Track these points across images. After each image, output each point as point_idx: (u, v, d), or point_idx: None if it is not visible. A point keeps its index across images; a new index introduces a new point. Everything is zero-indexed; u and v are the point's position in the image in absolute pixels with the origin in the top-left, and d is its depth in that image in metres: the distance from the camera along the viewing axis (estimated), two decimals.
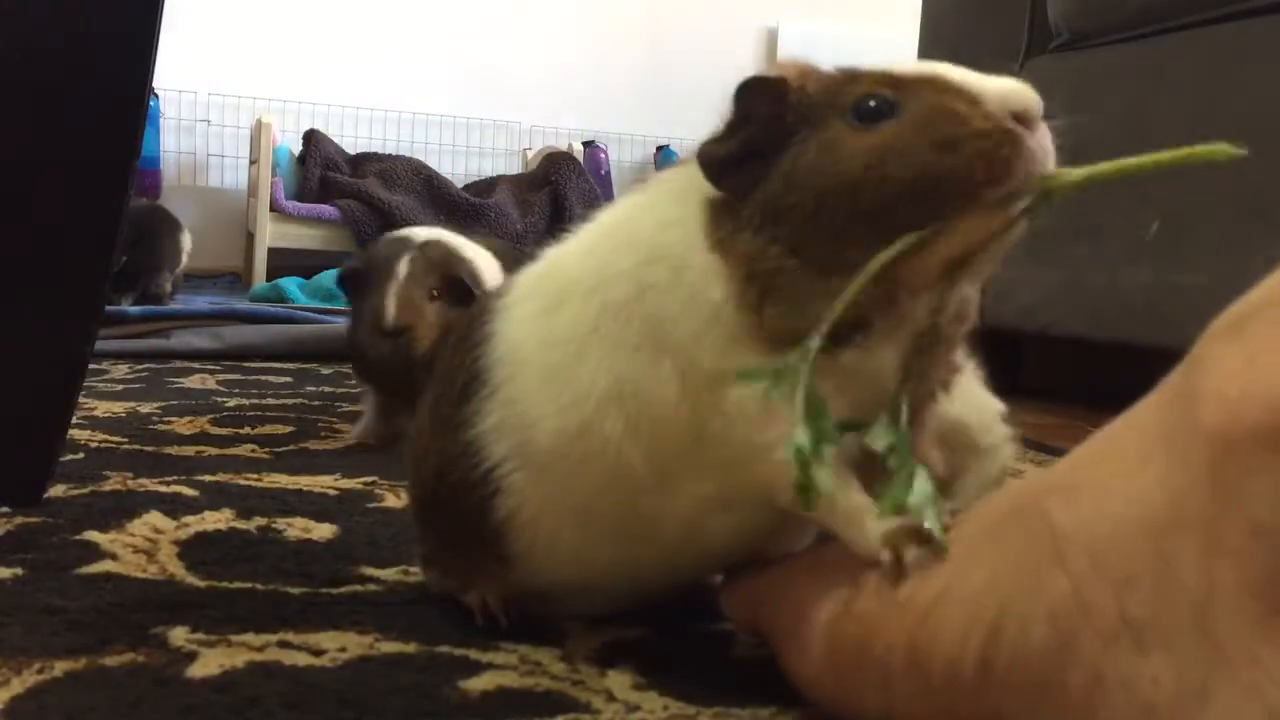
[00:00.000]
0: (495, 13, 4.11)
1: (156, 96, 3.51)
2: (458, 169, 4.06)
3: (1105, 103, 1.65)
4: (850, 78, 0.56)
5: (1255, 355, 0.37)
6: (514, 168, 4.15)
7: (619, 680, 0.58)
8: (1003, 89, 0.54)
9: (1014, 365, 1.83)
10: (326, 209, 3.47)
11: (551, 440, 0.58)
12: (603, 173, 4.06)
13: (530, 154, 4.15)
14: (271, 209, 3.42)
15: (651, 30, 4.23)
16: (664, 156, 4.23)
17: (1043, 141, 0.53)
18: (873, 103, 0.54)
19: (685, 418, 0.56)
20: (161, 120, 3.64)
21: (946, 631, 0.45)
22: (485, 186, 3.90)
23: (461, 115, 4.08)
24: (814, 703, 0.55)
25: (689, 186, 0.58)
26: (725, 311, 0.55)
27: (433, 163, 3.89)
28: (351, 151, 3.84)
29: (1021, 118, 0.53)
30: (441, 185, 3.73)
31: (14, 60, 0.79)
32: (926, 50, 2.05)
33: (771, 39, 4.38)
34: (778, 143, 0.56)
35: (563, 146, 4.05)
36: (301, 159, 3.69)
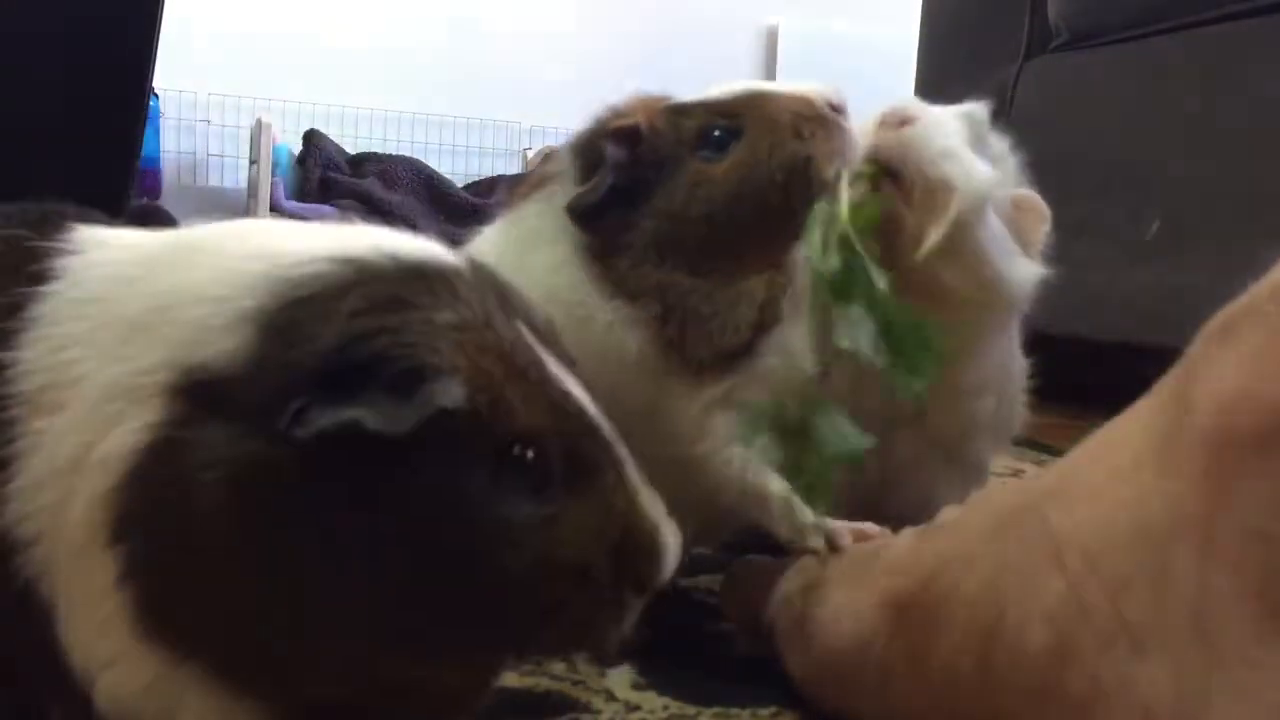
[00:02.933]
0: (495, 13, 4.11)
1: (156, 96, 3.51)
2: (458, 169, 4.05)
3: (1105, 103, 1.65)
4: (682, 110, 0.62)
5: (1246, 359, 0.37)
6: (514, 168, 4.14)
7: (619, 680, 0.58)
8: (815, 88, 0.61)
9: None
10: (326, 209, 3.47)
11: None
12: None
13: (530, 154, 4.15)
14: (271, 209, 3.41)
15: (652, 30, 4.23)
16: None
17: (851, 125, 0.61)
18: (716, 133, 0.60)
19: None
20: (161, 120, 3.63)
21: (945, 634, 0.45)
22: (485, 186, 3.89)
23: (461, 115, 4.08)
24: (813, 702, 0.55)
25: (562, 229, 0.60)
26: (646, 357, 0.57)
27: (433, 163, 3.89)
28: (351, 151, 3.84)
29: (835, 108, 0.60)
30: (441, 185, 3.73)
31: (14, 61, 0.79)
32: (927, 49, 2.05)
33: (771, 39, 4.38)
34: (639, 183, 0.60)
35: None
36: (301, 159, 3.69)
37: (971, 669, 0.44)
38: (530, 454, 0.38)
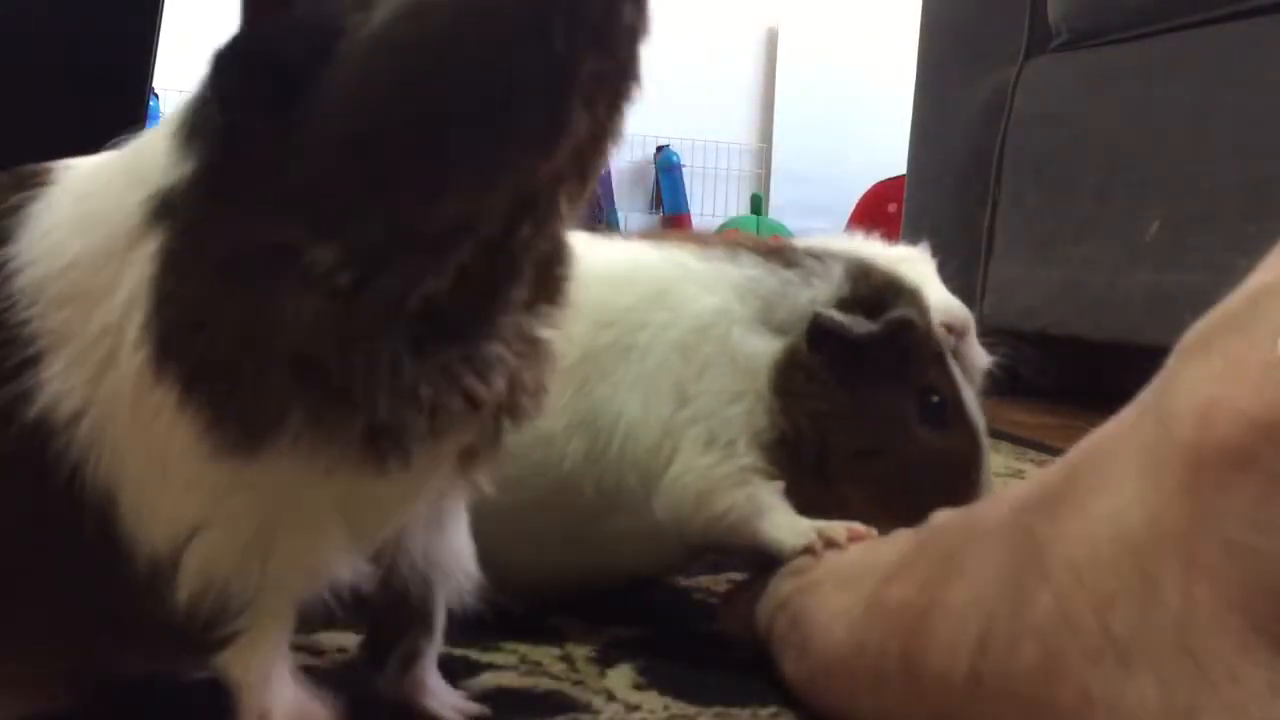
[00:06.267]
0: None
1: (156, 96, 3.51)
2: None
3: (1105, 103, 1.65)
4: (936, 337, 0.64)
5: (1224, 371, 0.37)
6: None
7: (619, 680, 0.58)
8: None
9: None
10: None
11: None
12: (603, 172, 4.05)
13: None
14: None
15: (652, 30, 4.24)
16: (664, 157, 4.22)
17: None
18: (935, 398, 0.61)
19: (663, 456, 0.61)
20: (161, 120, 3.63)
21: (937, 643, 0.45)
22: None
23: None
24: (810, 704, 0.55)
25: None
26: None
27: None
28: None
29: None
30: None
31: (14, 61, 0.79)
32: (927, 49, 2.05)
33: (772, 39, 4.38)
34: None
35: None
36: None
37: (963, 679, 0.44)
38: None
